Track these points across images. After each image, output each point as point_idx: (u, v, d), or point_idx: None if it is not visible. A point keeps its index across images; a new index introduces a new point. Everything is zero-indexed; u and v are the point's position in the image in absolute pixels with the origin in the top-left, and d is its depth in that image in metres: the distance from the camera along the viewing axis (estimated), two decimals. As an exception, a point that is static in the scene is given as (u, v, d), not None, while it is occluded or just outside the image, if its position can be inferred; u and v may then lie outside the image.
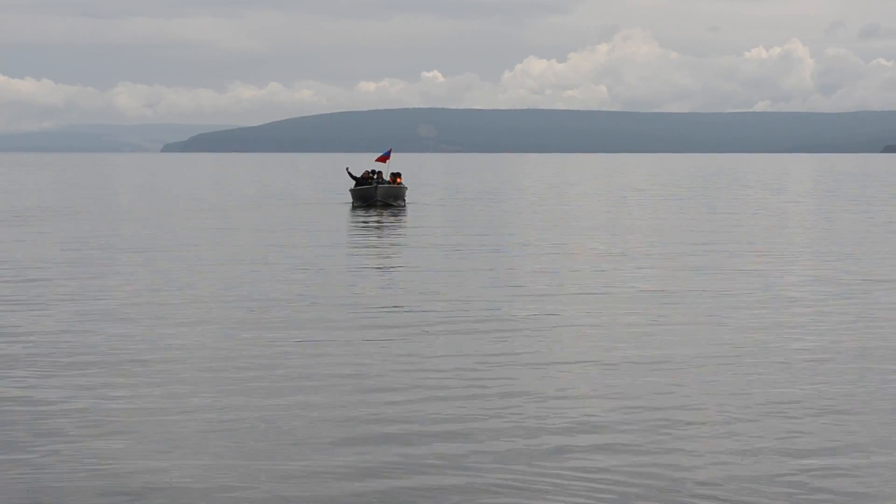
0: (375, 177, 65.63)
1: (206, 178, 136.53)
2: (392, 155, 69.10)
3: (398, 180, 65.80)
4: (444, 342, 20.13)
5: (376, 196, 63.60)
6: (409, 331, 21.29)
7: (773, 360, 18.51)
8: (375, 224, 51.13)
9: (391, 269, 32.73)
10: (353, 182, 66.43)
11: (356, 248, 39.91)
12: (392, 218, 54.94)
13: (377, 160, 67.81)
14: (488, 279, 29.66)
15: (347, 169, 69.75)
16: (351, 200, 66.41)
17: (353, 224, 51.53)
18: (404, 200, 65.98)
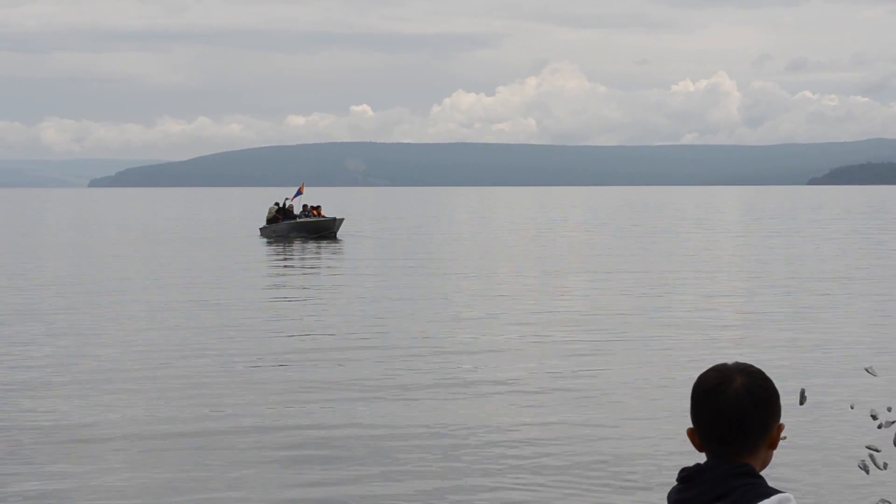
0: (304, 209, 65.81)
1: (133, 214, 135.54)
2: (305, 189, 68.46)
3: (322, 213, 66.17)
4: (382, 365, 19.85)
5: (333, 228, 64.15)
6: (361, 355, 21.00)
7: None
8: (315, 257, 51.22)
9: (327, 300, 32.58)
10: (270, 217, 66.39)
11: (299, 277, 39.67)
12: (327, 250, 55.00)
13: (295, 198, 67.08)
14: (421, 306, 29.50)
15: (286, 200, 68.09)
16: (264, 235, 65.78)
17: (299, 258, 51.60)
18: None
